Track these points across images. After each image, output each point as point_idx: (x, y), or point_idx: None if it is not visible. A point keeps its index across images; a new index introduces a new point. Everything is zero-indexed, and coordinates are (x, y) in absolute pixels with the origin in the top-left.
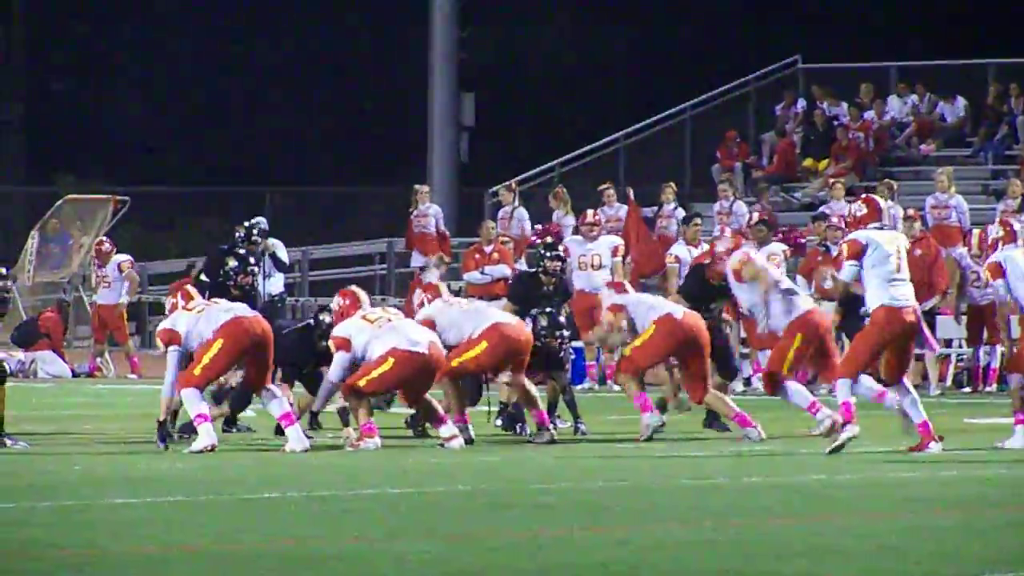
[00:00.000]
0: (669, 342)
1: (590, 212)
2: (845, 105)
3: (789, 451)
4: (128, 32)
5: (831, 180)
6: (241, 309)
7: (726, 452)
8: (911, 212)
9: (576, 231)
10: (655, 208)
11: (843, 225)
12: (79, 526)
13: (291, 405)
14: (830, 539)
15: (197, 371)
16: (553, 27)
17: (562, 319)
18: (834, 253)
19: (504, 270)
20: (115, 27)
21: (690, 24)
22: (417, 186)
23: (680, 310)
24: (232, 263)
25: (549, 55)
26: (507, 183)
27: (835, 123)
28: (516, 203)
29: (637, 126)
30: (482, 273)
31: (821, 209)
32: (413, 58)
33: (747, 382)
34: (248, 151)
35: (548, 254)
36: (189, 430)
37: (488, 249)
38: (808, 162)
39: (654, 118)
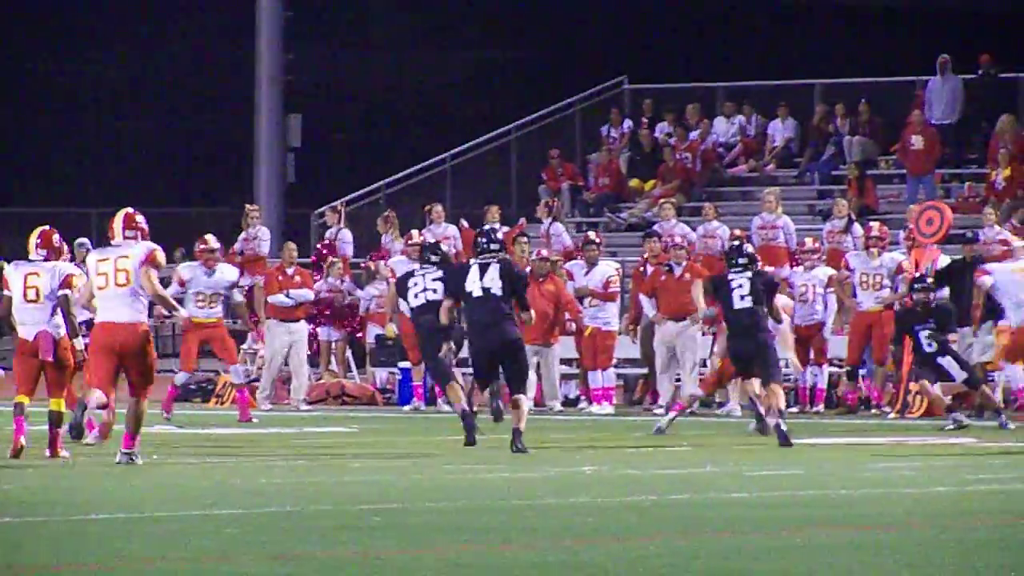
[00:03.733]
0: None
1: (415, 232)
2: (671, 125)
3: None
4: None
5: (660, 200)
6: None
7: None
8: (738, 232)
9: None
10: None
11: (685, 244)
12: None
13: None
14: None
15: None
16: (380, 49)
17: None
18: (678, 272)
19: (307, 294)
20: None
21: (519, 45)
22: (248, 206)
23: None
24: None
25: (377, 76)
26: (333, 204)
27: (662, 143)
28: (342, 224)
29: (464, 147)
30: (287, 296)
31: (653, 228)
32: (240, 79)
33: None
34: (72, 172)
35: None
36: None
37: (290, 271)
38: (635, 182)
39: (481, 139)
